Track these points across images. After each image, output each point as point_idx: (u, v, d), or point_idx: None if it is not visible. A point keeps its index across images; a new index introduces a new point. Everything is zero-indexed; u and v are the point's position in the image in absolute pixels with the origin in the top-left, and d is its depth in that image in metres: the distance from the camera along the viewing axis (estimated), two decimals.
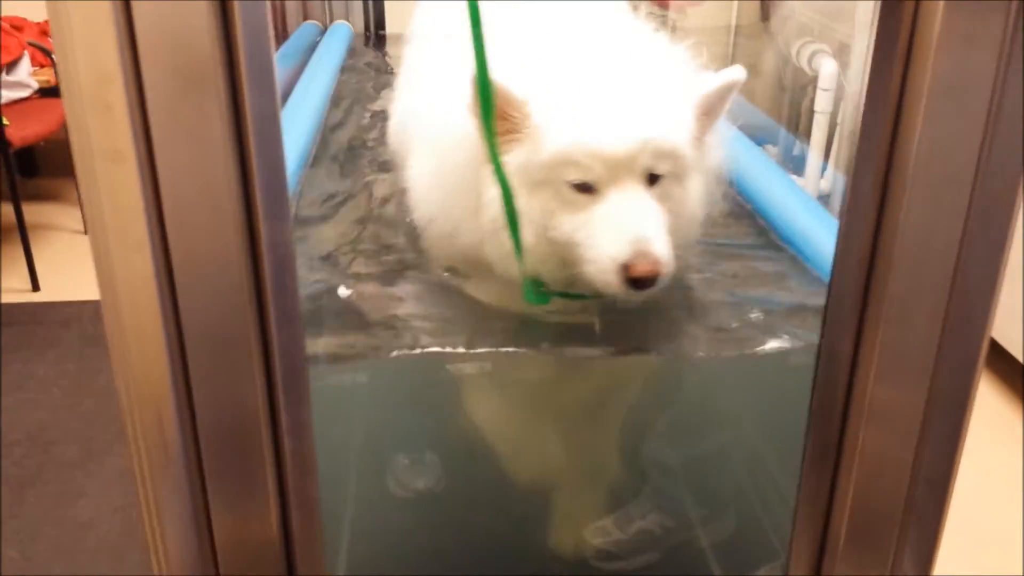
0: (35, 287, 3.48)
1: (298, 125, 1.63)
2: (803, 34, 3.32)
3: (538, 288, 1.14)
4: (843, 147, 3.19)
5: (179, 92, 0.65)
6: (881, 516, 0.86)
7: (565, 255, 1.08)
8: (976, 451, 2.36)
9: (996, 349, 2.71)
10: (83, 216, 0.76)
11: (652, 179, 1.07)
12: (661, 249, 1.02)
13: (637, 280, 1.00)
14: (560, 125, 1.06)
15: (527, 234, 1.09)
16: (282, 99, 1.72)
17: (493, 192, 1.09)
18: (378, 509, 1.56)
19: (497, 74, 1.02)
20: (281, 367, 0.76)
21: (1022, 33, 0.68)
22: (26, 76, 3.91)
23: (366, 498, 1.54)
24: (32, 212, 3.57)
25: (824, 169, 3.26)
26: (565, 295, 1.16)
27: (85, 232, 0.81)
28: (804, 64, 3.24)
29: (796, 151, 3.39)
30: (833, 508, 0.87)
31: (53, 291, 3.43)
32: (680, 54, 1.19)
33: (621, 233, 1.02)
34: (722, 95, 1.13)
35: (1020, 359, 2.63)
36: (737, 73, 1.12)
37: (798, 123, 3.43)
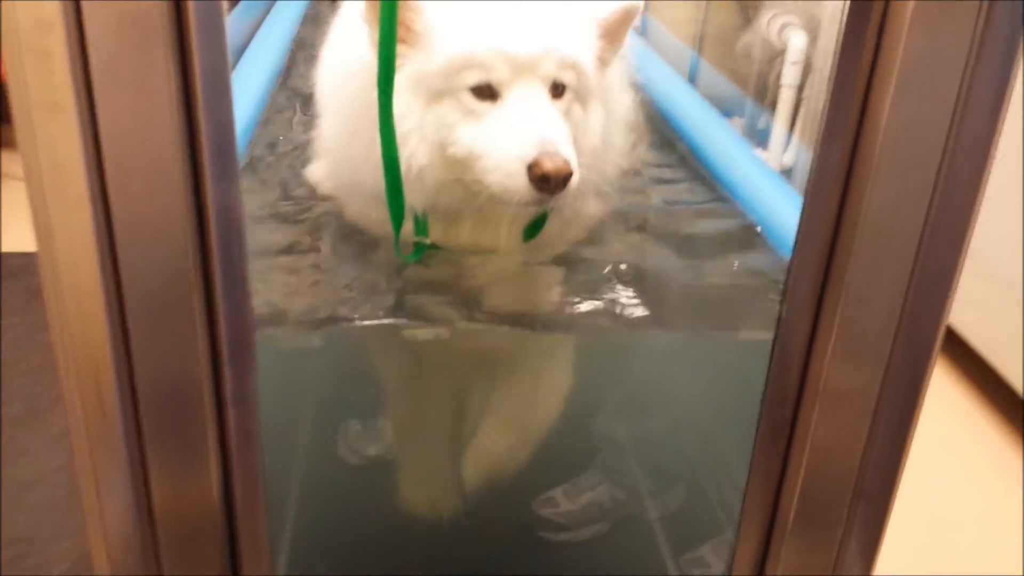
0: None
1: (252, 78, 1.57)
2: (773, 5, 3.30)
3: (419, 234, 1.13)
4: (809, 122, 3.19)
5: (123, 41, 0.61)
6: (830, 499, 0.86)
7: (465, 173, 1.04)
8: (976, 489, 2.34)
9: (997, 382, 2.57)
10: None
11: (556, 91, 1.05)
12: (568, 150, 0.99)
13: (546, 177, 0.97)
14: (462, 26, 1.03)
15: (421, 153, 1.05)
16: (240, 50, 1.67)
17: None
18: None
19: None
20: (227, 335, 0.73)
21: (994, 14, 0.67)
22: None
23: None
24: None
25: (788, 143, 3.26)
26: (436, 247, 1.14)
27: None
28: (773, 36, 3.23)
29: (762, 124, 3.38)
30: (783, 489, 0.87)
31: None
32: None
33: (527, 133, 0.99)
34: (622, 21, 1.12)
35: (1021, 393, 2.46)
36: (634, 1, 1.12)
37: (764, 95, 3.42)
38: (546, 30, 1.04)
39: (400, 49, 1.03)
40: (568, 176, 0.98)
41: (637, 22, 1.14)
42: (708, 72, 2.78)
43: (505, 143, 1.00)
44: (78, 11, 0.60)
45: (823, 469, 0.85)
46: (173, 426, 0.78)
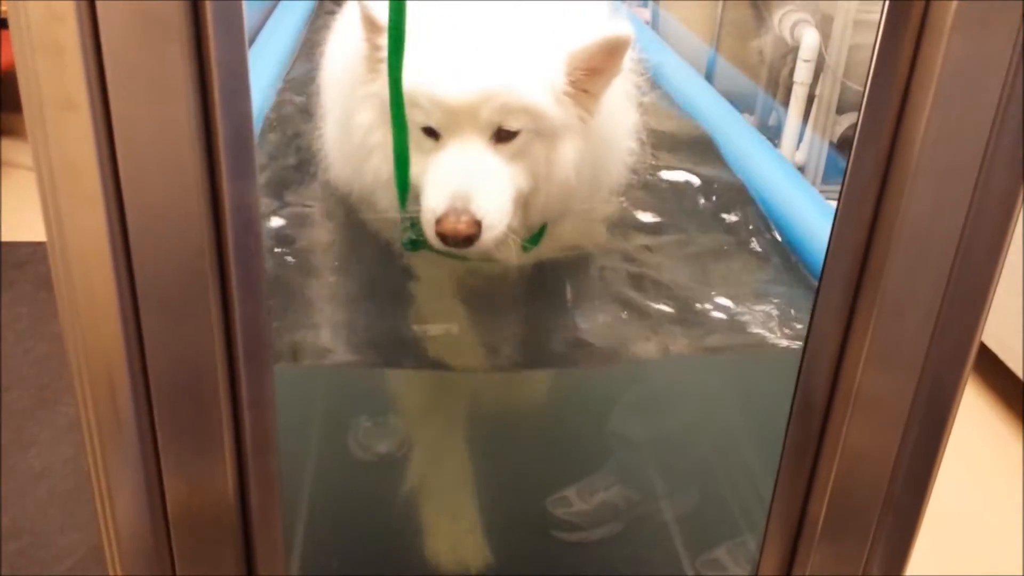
0: None
1: (258, 77, 1.55)
2: (786, 2, 3.28)
3: (413, 232, 1.09)
4: (820, 119, 3.17)
5: (138, 35, 0.60)
6: (859, 507, 0.85)
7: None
8: (975, 472, 2.29)
9: (996, 364, 2.55)
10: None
11: (504, 135, 1.01)
12: (482, 208, 0.97)
13: (445, 236, 0.96)
14: (411, 64, 0.99)
15: (385, 169, 1.04)
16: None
17: (361, 117, 1.05)
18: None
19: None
20: (243, 337, 0.71)
21: None
22: None
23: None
24: None
25: (800, 140, 3.25)
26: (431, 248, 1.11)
27: None
28: (786, 33, 3.21)
29: (772, 120, 3.37)
30: (811, 496, 0.85)
31: (7, 231, 3.32)
32: (572, 10, 1.12)
33: (443, 186, 0.98)
34: (606, 54, 1.03)
35: (1021, 375, 2.45)
36: (622, 29, 1.03)
37: (776, 92, 3.40)
38: (490, 75, 1.00)
39: (376, 74, 1.02)
40: (471, 236, 0.96)
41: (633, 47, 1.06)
42: (722, 67, 2.77)
43: (428, 191, 1.00)
44: (92, 5, 0.58)
45: (853, 477, 0.83)
46: (187, 427, 0.77)
